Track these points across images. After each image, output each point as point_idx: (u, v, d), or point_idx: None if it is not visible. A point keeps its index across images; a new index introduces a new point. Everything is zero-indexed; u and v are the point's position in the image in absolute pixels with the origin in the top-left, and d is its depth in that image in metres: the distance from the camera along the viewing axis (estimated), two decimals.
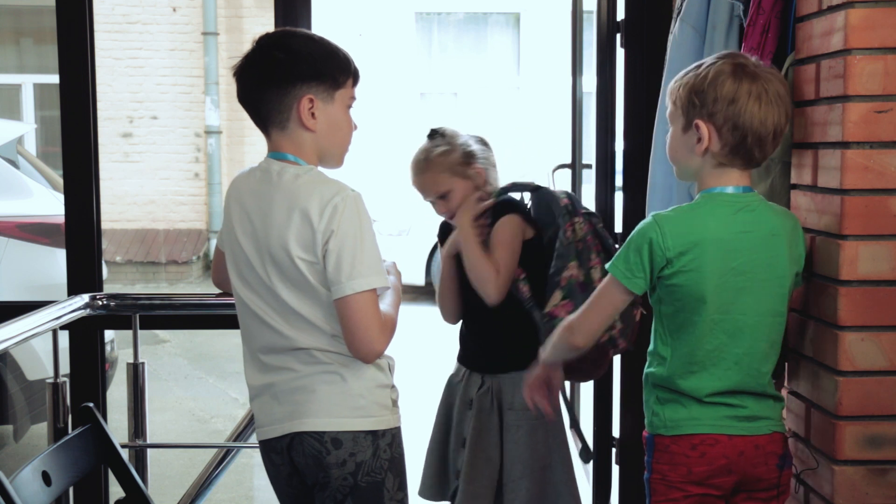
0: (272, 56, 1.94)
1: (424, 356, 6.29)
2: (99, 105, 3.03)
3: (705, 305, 1.86)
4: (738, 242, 1.86)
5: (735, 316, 1.87)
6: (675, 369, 1.91)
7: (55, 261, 4.35)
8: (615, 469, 3.29)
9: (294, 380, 1.97)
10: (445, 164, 2.52)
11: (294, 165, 1.96)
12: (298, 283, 1.93)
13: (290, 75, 1.92)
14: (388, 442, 1.99)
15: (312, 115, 1.94)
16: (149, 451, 2.70)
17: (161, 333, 7.04)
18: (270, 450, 2.04)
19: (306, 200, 1.89)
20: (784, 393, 2.07)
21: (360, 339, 1.90)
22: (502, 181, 2.61)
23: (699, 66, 1.92)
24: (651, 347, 1.97)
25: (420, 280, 8.78)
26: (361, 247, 1.88)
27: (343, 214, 1.88)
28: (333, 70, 1.96)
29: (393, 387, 2.04)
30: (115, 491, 2.46)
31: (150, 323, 2.96)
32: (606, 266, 1.96)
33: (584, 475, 3.91)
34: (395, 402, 2.03)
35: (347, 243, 1.87)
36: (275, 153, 1.99)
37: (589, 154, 3.54)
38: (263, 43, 1.98)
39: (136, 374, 2.65)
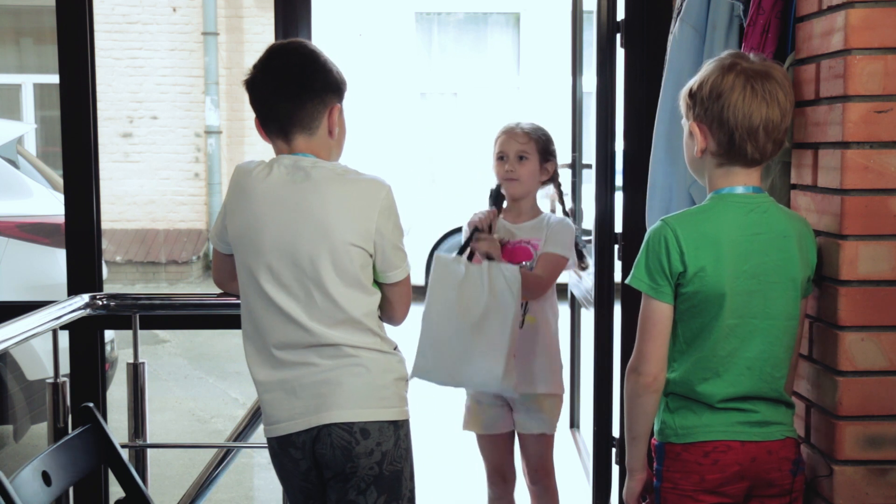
0: (309, 66, 2.07)
1: None
2: (99, 105, 3.03)
3: (722, 311, 1.84)
4: (750, 244, 1.85)
5: (747, 320, 1.85)
6: (689, 375, 1.88)
7: (55, 261, 4.35)
8: (615, 469, 3.29)
9: (315, 374, 2.02)
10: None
11: (323, 161, 2.08)
12: (348, 275, 2.01)
13: (327, 86, 2.08)
14: (405, 432, 2.08)
15: (335, 123, 2.11)
16: (149, 451, 2.69)
17: (161, 333, 7.03)
18: (288, 445, 2.07)
19: (361, 193, 2.03)
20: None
21: (403, 312, 2.15)
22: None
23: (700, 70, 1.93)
24: None
25: (420, 280, 8.78)
26: (402, 235, 2.10)
27: (392, 205, 2.06)
28: (343, 84, 2.14)
29: (407, 380, 2.13)
30: (115, 491, 2.46)
31: (150, 323, 2.96)
32: (627, 281, 1.93)
33: (584, 475, 3.91)
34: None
35: (397, 232, 2.07)
36: (297, 153, 2.08)
37: (589, 154, 3.54)
38: (289, 52, 2.09)
39: (136, 374, 2.65)
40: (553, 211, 3.35)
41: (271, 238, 2.02)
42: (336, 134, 2.12)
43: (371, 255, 2.05)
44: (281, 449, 2.09)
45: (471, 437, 2.98)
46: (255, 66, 2.10)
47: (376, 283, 2.10)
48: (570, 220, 2.92)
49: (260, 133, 2.14)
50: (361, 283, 2.04)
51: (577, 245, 2.92)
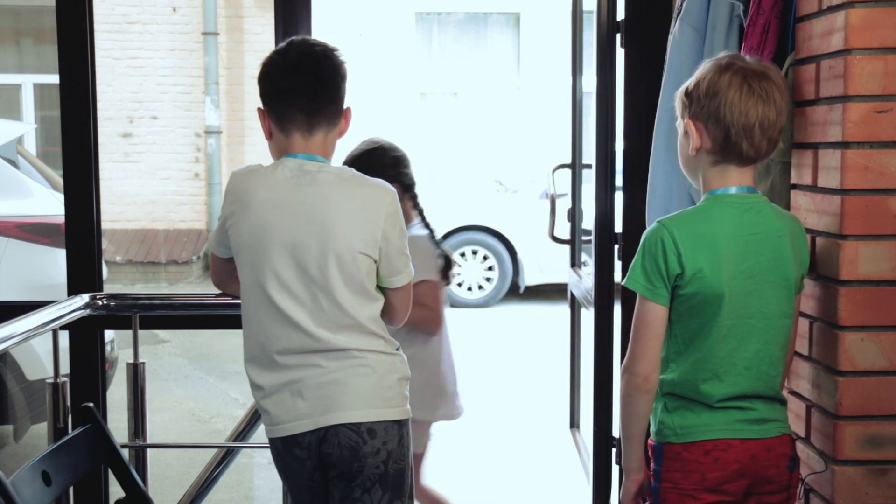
0: (339, 67, 2.09)
1: None
2: (99, 105, 3.03)
3: (721, 311, 1.84)
4: (746, 245, 1.85)
5: (744, 320, 1.86)
6: (689, 376, 1.89)
7: (55, 261, 4.35)
8: (615, 469, 3.29)
9: (321, 375, 2.03)
10: None
11: (328, 165, 2.08)
12: (354, 281, 2.02)
13: (344, 87, 2.11)
14: (407, 430, 2.10)
15: (348, 123, 2.15)
16: (149, 451, 2.70)
17: (161, 333, 7.04)
18: (293, 445, 2.07)
19: (368, 198, 2.04)
20: (784, 393, 2.07)
21: (404, 314, 2.15)
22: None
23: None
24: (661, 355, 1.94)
25: None
26: (406, 240, 2.11)
27: (397, 210, 2.07)
28: None
29: (408, 379, 2.14)
30: (115, 491, 2.46)
31: (150, 323, 2.96)
32: (624, 283, 1.93)
33: (584, 475, 3.91)
34: None
35: (402, 238, 2.09)
36: (304, 154, 2.07)
37: (589, 154, 3.54)
38: (318, 55, 2.08)
39: (136, 374, 2.65)
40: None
41: (278, 243, 2.01)
42: (344, 134, 2.15)
43: (375, 262, 2.04)
44: (285, 449, 2.09)
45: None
46: (277, 63, 2.07)
47: (379, 287, 2.10)
48: (418, 232, 2.79)
49: (263, 123, 2.11)
50: (366, 290, 2.04)
51: (444, 251, 2.82)
